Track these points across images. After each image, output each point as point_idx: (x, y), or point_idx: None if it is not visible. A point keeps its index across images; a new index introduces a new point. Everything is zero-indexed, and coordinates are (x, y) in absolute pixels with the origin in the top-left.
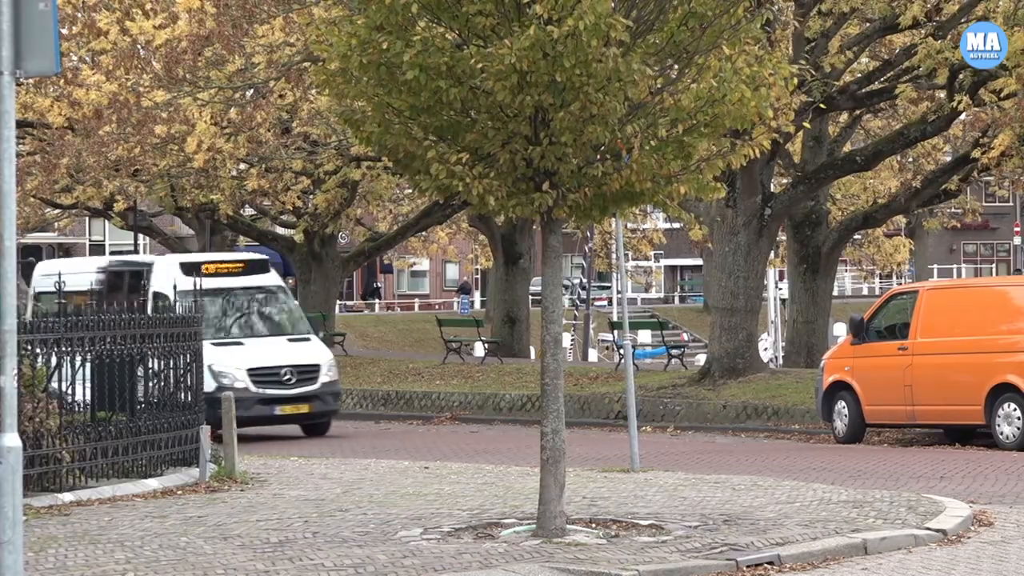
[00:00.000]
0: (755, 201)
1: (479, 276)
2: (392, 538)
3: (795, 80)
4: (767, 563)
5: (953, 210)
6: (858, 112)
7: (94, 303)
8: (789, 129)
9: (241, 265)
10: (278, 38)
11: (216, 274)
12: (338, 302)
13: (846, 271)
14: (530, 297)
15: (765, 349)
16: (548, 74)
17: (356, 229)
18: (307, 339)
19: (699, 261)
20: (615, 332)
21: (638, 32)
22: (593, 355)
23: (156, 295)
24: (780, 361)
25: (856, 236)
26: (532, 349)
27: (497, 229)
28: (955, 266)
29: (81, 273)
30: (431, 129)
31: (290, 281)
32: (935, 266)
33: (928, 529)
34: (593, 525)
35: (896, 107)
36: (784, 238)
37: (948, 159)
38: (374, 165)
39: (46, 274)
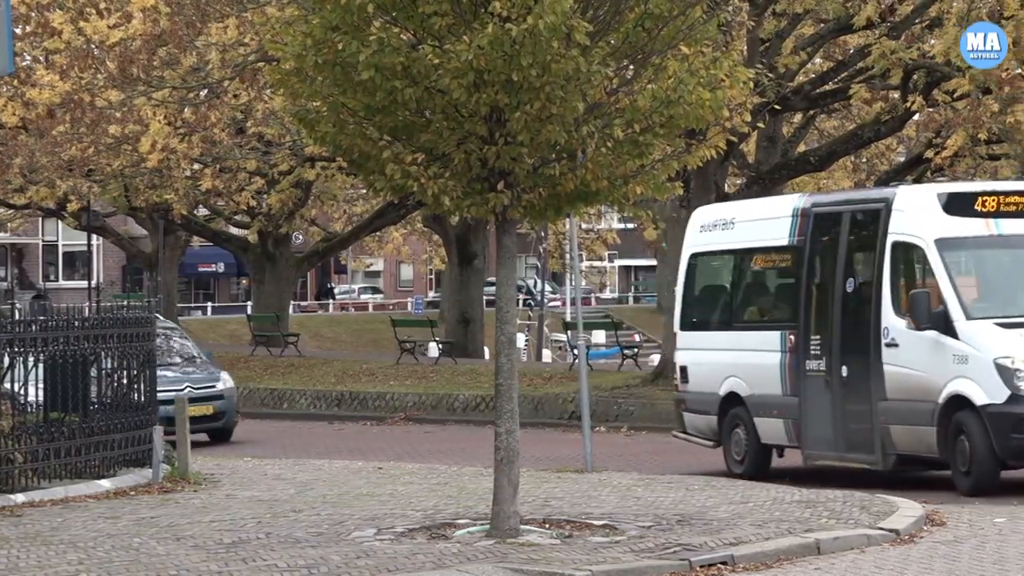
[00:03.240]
0: (709, 201)
1: (433, 276)
2: (346, 539)
3: (751, 82)
4: (720, 563)
5: None
6: (812, 112)
7: (792, 266)
8: (744, 129)
9: None
10: (232, 37)
11: (1001, 213)
12: (292, 302)
13: None
14: (484, 297)
15: None
16: (505, 73)
17: (310, 229)
18: None
19: (653, 261)
20: (569, 332)
21: (595, 32)
22: (547, 355)
23: (899, 248)
24: None
25: None
26: (486, 349)
27: (451, 229)
28: None
29: (767, 220)
30: (386, 129)
31: (243, 281)
32: None
33: (881, 529)
34: (547, 525)
35: (850, 107)
36: None
37: (902, 160)
38: (328, 165)
39: (708, 224)
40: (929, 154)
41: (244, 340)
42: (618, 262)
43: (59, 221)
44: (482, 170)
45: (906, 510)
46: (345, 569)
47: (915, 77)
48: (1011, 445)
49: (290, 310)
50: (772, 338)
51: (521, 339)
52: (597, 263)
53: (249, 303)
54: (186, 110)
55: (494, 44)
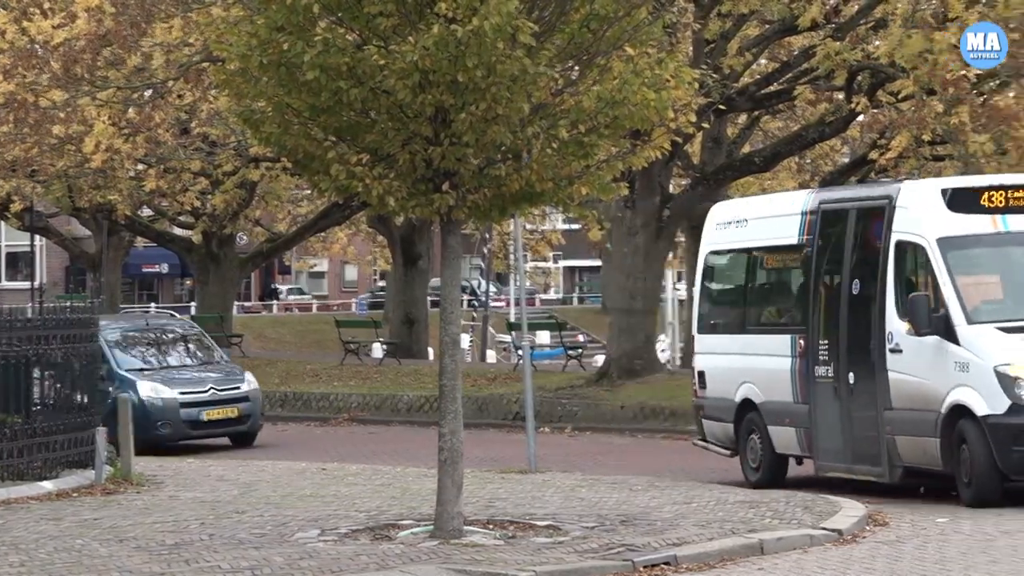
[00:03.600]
0: (653, 202)
1: (377, 277)
2: (289, 540)
3: (696, 83)
4: (664, 563)
5: None
6: (757, 113)
7: (801, 266)
8: (688, 130)
9: None
10: (177, 38)
11: (1010, 208)
12: (236, 303)
13: None
14: (428, 298)
15: (663, 350)
16: (450, 74)
17: (254, 230)
18: None
19: (597, 262)
20: (513, 333)
21: (541, 33)
22: (491, 356)
23: (902, 247)
24: (678, 362)
25: None
26: (430, 350)
27: (396, 230)
28: None
29: (778, 217)
30: (331, 129)
31: (187, 282)
32: None
33: (824, 529)
34: (491, 526)
35: (794, 108)
36: (683, 239)
37: (846, 160)
38: (273, 166)
39: (723, 222)
40: (873, 155)
41: None
42: (563, 263)
43: (2, 222)
44: (427, 171)
45: (849, 510)
46: (288, 570)
47: (859, 78)
48: (1012, 458)
49: (234, 311)
50: (783, 343)
51: (465, 340)
52: (542, 264)
53: (193, 304)
54: (130, 110)
55: (439, 45)
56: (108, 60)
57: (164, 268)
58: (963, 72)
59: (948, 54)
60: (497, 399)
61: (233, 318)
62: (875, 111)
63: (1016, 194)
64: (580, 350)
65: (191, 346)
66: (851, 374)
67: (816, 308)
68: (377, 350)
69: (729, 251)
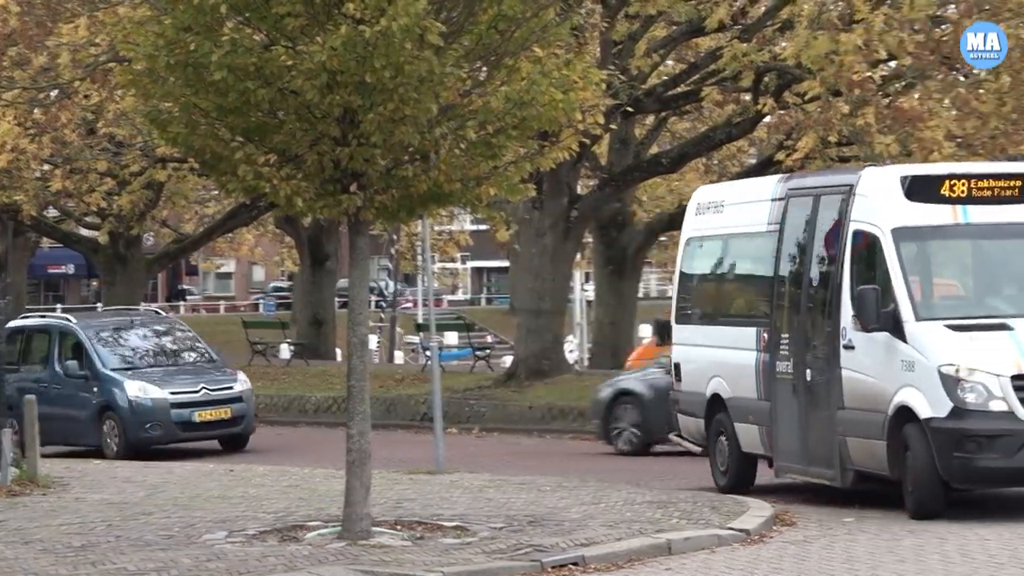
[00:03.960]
0: (561, 203)
1: (285, 278)
2: (196, 541)
3: (604, 84)
4: (572, 564)
5: None
6: (664, 114)
7: (767, 255)
8: (596, 131)
9: (1016, 183)
10: (83, 37)
11: (972, 199)
12: (143, 304)
13: (651, 273)
14: (336, 299)
15: (571, 351)
16: (358, 75)
17: (161, 231)
18: None
19: (505, 263)
20: (421, 334)
21: (449, 34)
22: (399, 357)
23: (859, 238)
24: (586, 363)
25: (662, 238)
26: (338, 351)
27: (304, 231)
28: None
29: (750, 203)
30: (238, 130)
31: (94, 283)
32: None
33: (731, 529)
34: (398, 527)
35: (702, 109)
36: (590, 240)
37: (753, 161)
38: (180, 166)
39: (703, 206)
40: (780, 156)
41: None
42: (470, 264)
43: None
44: (335, 171)
45: (756, 510)
46: (196, 572)
47: (766, 79)
48: (953, 465)
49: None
50: (749, 336)
51: (373, 341)
52: (449, 265)
53: (99, 305)
54: (36, 110)
55: (347, 45)
56: (14, 60)
57: (70, 269)
58: (868, 73)
59: (854, 55)
60: (405, 400)
61: None
62: (782, 112)
63: (979, 184)
64: (488, 351)
65: (179, 344)
66: (808, 371)
67: (779, 300)
68: (285, 351)
69: (705, 237)
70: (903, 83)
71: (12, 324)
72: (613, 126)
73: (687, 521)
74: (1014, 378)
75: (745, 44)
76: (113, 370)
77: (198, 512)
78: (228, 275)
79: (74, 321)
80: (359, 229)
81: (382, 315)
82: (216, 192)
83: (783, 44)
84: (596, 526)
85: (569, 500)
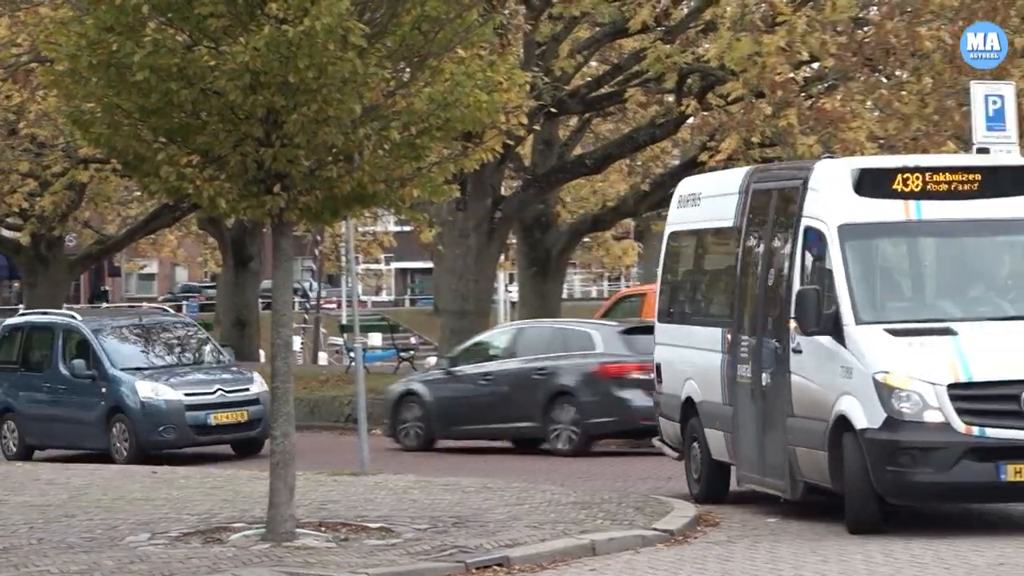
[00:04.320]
0: (485, 204)
1: (209, 279)
2: (119, 544)
3: (528, 85)
4: (496, 564)
5: None
6: (588, 115)
7: (732, 252)
8: (520, 132)
9: (975, 177)
10: (4, 37)
11: (927, 193)
12: (65, 305)
13: (575, 274)
14: (260, 300)
15: None
16: (281, 75)
17: (84, 232)
18: None
19: (429, 264)
20: (345, 335)
21: (372, 34)
22: (323, 358)
23: (809, 235)
24: None
25: (585, 239)
26: (262, 352)
27: (227, 232)
28: None
29: (722, 196)
30: (161, 131)
31: (15, 284)
32: None
33: (655, 530)
34: (323, 528)
35: (625, 111)
36: (514, 241)
37: (676, 162)
38: (103, 167)
39: (684, 198)
40: (704, 157)
41: None
42: (394, 265)
43: None
44: (258, 172)
45: (680, 511)
46: (119, 574)
47: (689, 81)
48: (887, 478)
49: None
50: (716, 337)
51: (297, 342)
52: (373, 266)
53: (21, 306)
54: None
55: (270, 46)
56: None
57: None
58: (791, 75)
59: (776, 57)
60: (329, 401)
61: None
62: (705, 113)
63: (935, 178)
64: (412, 352)
65: (191, 344)
66: (764, 375)
67: (741, 300)
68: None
69: (682, 232)
70: (825, 84)
71: (11, 321)
72: (537, 127)
73: (611, 522)
74: (951, 387)
75: (668, 46)
76: (122, 370)
77: (121, 514)
78: (151, 276)
79: (79, 318)
80: (282, 230)
81: (306, 316)
82: (139, 193)
83: (706, 46)
84: (520, 527)
85: (493, 501)
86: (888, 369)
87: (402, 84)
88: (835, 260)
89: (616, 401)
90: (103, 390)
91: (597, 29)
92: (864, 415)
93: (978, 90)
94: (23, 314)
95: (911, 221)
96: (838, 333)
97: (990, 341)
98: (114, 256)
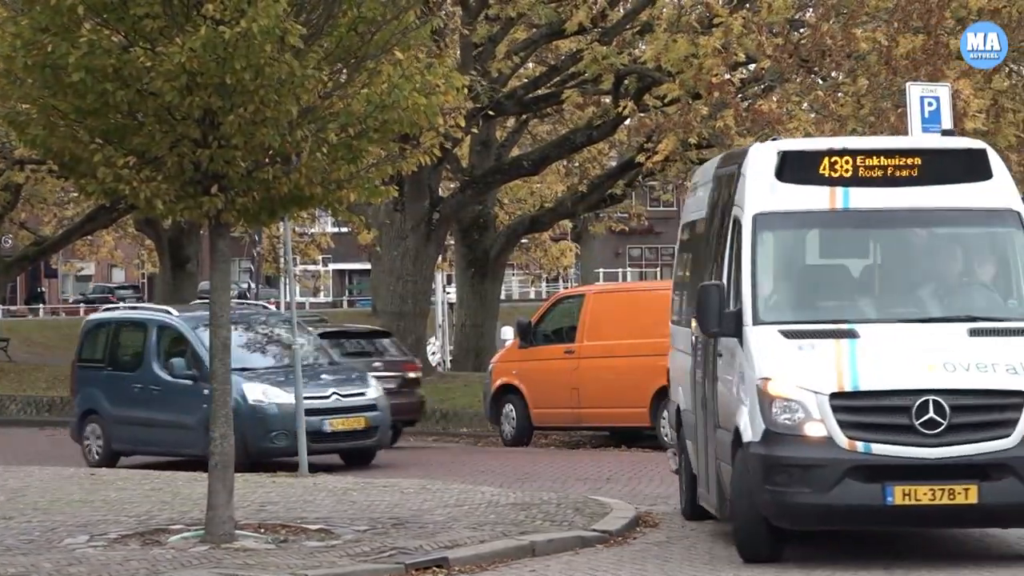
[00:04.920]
0: (423, 205)
1: (146, 280)
2: (57, 546)
3: (466, 89)
4: (435, 566)
5: (619, 214)
6: (525, 117)
7: (702, 245)
8: (457, 134)
9: (914, 161)
10: None
11: (857, 179)
12: (1, 307)
13: (513, 275)
14: (197, 302)
15: (433, 353)
16: (218, 76)
17: (20, 233)
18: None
19: (367, 265)
20: None
21: (309, 36)
22: None
23: (736, 226)
24: (448, 365)
25: (523, 240)
26: None
27: (164, 233)
28: (620, 270)
29: (705, 184)
30: (97, 132)
31: None
32: (601, 270)
33: (594, 531)
34: (262, 530)
35: (562, 112)
36: (452, 242)
37: (614, 164)
38: (39, 168)
39: (693, 186)
40: (641, 158)
41: None
42: (332, 266)
43: None
44: (195, 173)
45: (619, 511)
46: None
47: (626, 82)
48: (765, 499)
49: None
50: (686, 337)
51: None
52: (311, 267)
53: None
54: None
55: (207, 47)
56: None
57: None
58: (728, 76)
59: (713, 58)
60: None
61: None
62: (642, 115)
63: (868, 162)
64: None
65: (302, 342)
66: (705, 381)
67: (692, 298)
68: None
69: (685, 225)
70: (762, 86)
71: (95, 316)
72: (474, 129)
73: (551, 523)
74: (834, 396)
75: (605, 47)
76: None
77: (59, 516)
78: (88, 278)
79: (175, 313)
80: (220, 231)
81: None
82: (75, 194)
83: (643, 47)
84: (460, 528)
85: (433, 502)
86: (770, 375)
87: (339, 86)
88: (745, 253)
89: None
90: (206, 392)
91: (534, 30)
92: (750, 427)
93: (914, 91)
94: (108, 308)
95: (835, 210)
96: (739, 334)
97: (893, 346)
98: (51, 258)
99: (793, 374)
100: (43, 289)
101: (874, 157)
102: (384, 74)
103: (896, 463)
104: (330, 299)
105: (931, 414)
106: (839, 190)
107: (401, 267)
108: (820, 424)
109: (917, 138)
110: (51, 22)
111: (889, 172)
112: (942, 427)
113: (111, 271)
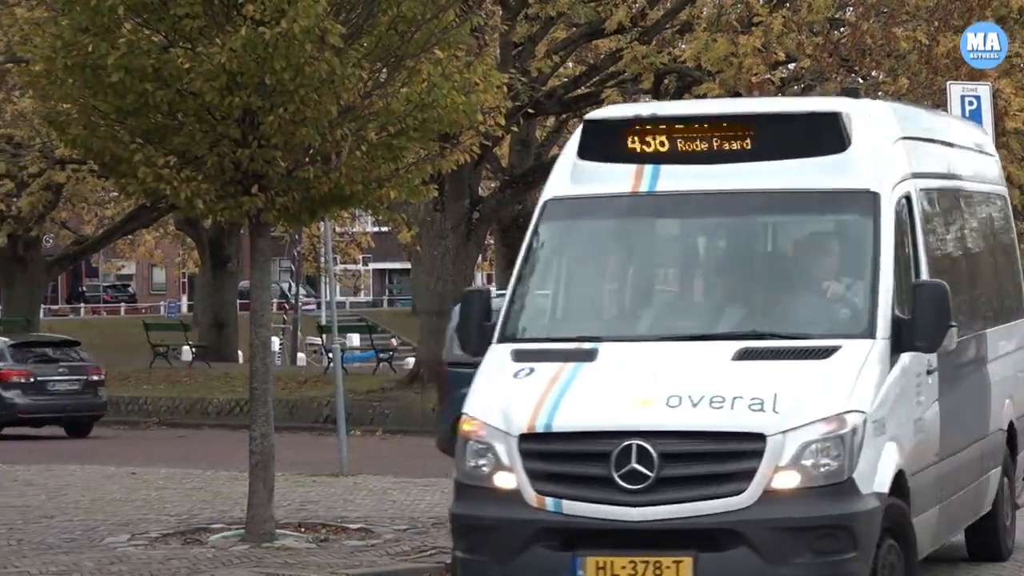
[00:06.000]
0: (463, 205)
1: (186, 280)
2: (98, 544)
3: (505, 87)
4: None
5: None
6: (565, 116)
7: None
8: (498, 133)
9: (744, 131)
10: None
11: (673, 155)
12: (43, 306)
13: None
14: (238, 301)
15: None
16: (258, 76)
17: (61, 232)
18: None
19: (408, 264)
20: (324, 336)
21: (349, 35)
22: (302, 359)
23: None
24: None
25: None
26: (240, 353)
27: (204, 232)
28: None
29: None
30: (137, 132)
31: None
32: None
33: None
34: (302, 529)
35: None
36: (492, 241)
37: None
38: (80, 168)
39: None
40: None
41: None
42: (373, 265)
43: None
44: (235, 173)
45: None
46: (99, 575)
47: (666, 81)
48: (452, 568)
49: (41, 314)
50: None
51: (276, 343)
52: (352, 266)
53: None
54: None
55: (247, 47)
56: None
57: None
58: (767, 75)
59: (753, 58)
60: (308, 402)
61: (40, 321)
62: None
63: (687, 132)
64: (391, 352)
65: None
66: None
67: None
68: (186, 353)
69: None
70: (802, 85)
71: None
72: (514, 128)
73: None
74: (524, 438)
75: (645, 46)
76: None
77: (100, 515)
78: (129, 277)
79: None
80: (260, 231)
81: (285, 317)
82: (116, 194)
83: (683, 46)
84: None
85: None
86: (470, 410)
87: (379, 85)
88: (522, 250)
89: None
90: None
91: (574, 29)
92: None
93: (955, 91)
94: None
95: (636, 195)
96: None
97: (624, 373)
98: (92, 257)
99: (492, 409)
100: (84, 288)
101: (694, 126)
102: (424, 73)
103: (590, 526)
104: (370, 298)
105: (633, 463)
106: (648, 168)
107: (441, 267)
108: (510, 474)
109: (753, 101)
110: (91, 22)
111: (715, 145)
112: (649, 480)
113: (151, 270)
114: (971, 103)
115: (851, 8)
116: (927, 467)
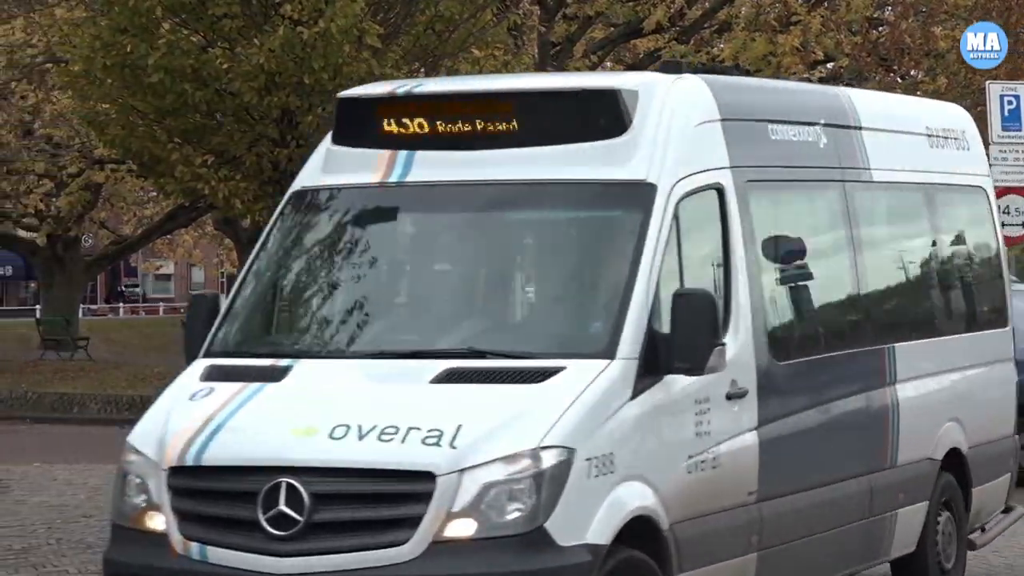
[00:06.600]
0: None
1: (225, 280)
2: None
3: None
4: None
5: None
6: None
7: None
8: None
9: (506, 109)
10: (19, 38)
11: (432, 139)
12: (82, 306)
13: None
14: None
15: None
16: (296, 76)
17: (100, 232)
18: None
19: None
20: None
21: (387, 35)
22: None
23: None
24: None
25: None
26: None
27: (243, 232)
28: None
29: None
30: (176, 132)
31: (32, 285)
32: None
33: None
34: None
35: None
36: None
37: None
38: (118, 167)
39: None
40: None
41: (33, 344)
42: None
43: None
44: (274, 173)
45: None
46: None
47: None
48: None
49: (80, 313)
50: None
51: None
52: None
53: (38, 306)
54: None
55: (285, 47)
56: None
57: (8, 270)
58: (806, 75)
59: (791, 57)
60: None
61: (79, 321)
62: None
63: (445, 111)
64: None
65: None
66: None
67: None
68: None
69: None
70: (841, 84)
71: None
72: None
73: None
74: (174, 472)
75: (683, 46)
76: None
77: None
78: (167, 276)
79: None
80: None
81: None
82: (155, 193)
83: (721, 46)
84: None
85: None
86: (131, 438)
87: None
88: (254, 250)
89: None
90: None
91: (612, 29)
92: None
93: (994, 90)
94: None
95: (384, 185)
96: None
97: (310, 396)
98: (131, 256)
99: (151, 436)
100: (123, 288)
101: (457, 104)
102: (461, 72)
103: None
104: None
105: (281, 505)
106: (401, 155)
107: None
108: (160, 514)
109: (523, 77)
110: (130, 23)
111: (478, 127)
112: (298, 525)
113: (190, 270)
114: (1010, 102)
115: (890, 7)
116: (727, 509)
